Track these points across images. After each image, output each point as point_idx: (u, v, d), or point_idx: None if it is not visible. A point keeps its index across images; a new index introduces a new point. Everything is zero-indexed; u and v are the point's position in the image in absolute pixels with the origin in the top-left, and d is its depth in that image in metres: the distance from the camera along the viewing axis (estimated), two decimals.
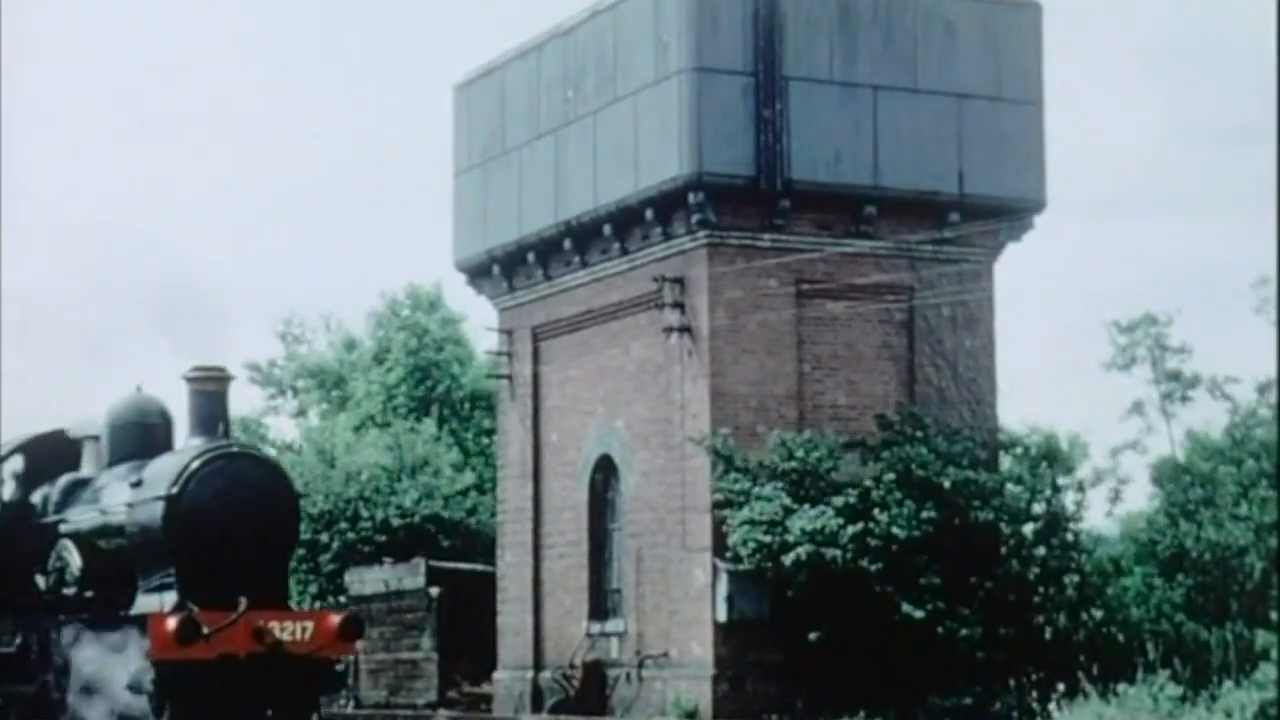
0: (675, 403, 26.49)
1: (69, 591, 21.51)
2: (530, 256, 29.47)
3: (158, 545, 20.06)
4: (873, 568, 24.44)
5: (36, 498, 23.16)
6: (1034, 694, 24.59)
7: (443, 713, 30.56)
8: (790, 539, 24.55)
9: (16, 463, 23.80)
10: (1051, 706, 24.10)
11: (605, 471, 28.45)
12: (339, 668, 21.12)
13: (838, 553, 24.34)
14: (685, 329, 26.32)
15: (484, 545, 34.99)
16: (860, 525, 24.56)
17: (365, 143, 63.46)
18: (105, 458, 22.32)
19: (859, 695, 24.59)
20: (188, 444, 20.77)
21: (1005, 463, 26.61)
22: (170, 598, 19.67)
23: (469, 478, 38.53)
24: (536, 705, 28.88)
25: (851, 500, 24.82)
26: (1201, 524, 26.10)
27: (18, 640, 22.45)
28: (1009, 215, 27.36)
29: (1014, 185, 27.28)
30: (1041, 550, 25.82)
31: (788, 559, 24.52)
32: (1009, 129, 27.31)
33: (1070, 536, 25.99)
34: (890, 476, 25.06)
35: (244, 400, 50.56)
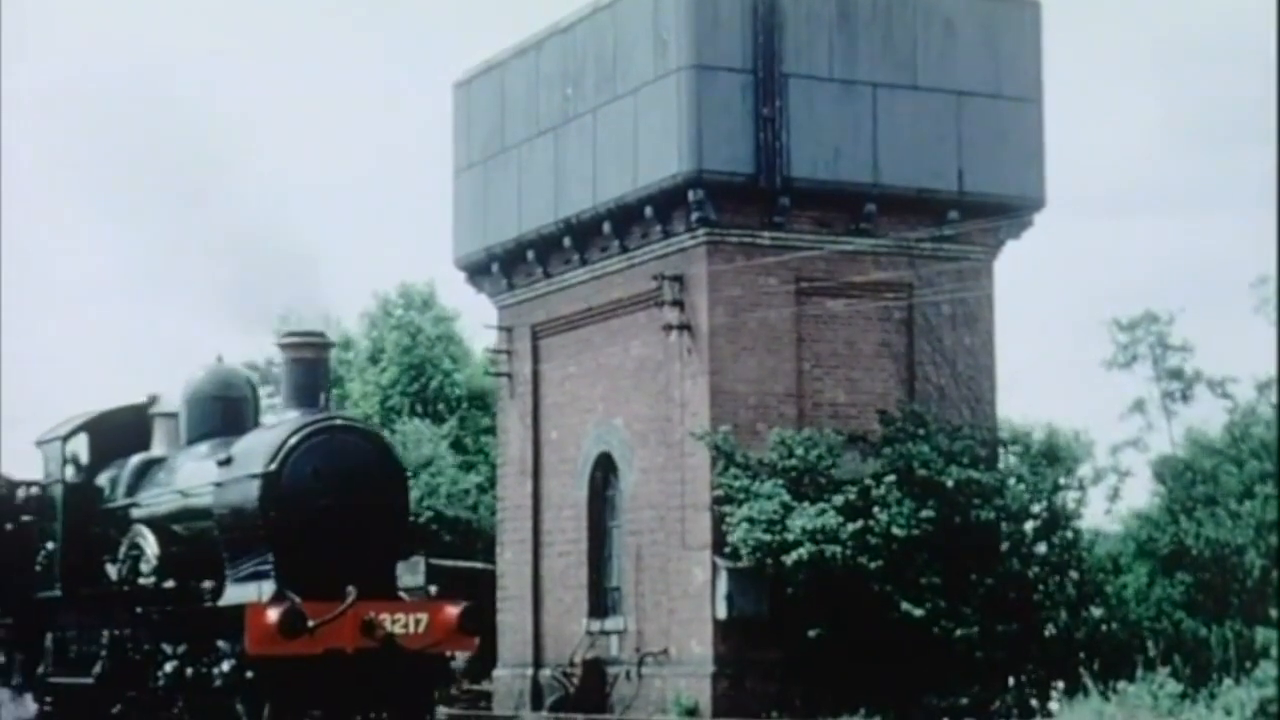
0: (675, 400, 26.49)
1: (145, 582, 19.88)
2: (530, 254, 29.47)
3: (251, 529, 18.29)
4: (872, 566, 24.44)
5: (103, 480, 21.71)
6: (1033, 692, 24.61)
7: (443, 710, 30.57)
8: (790, 537, 24.54)
9: (80, 443, 22.25)
10: (1051, 704, 24.11)
11: (605, 469, 28.45)
12: (455, 664, 19.16)
13: (837, 551, 24.34)
14: (685, 327, 26.31)
15: (484, 543, 35.00)
16: (860, 523, 24.56)
17: (364, 141, 63.44)
18: (183, 435, 20.73)
19: (858, 693, 24.59)
20: (283, 417, 19.04)
21: (1006, 460, 26.62)
22: (268, 587, 17.82)
23: (473, 478, 38.53)
24: (536, 703, 28.89)
25: (851, 498, 24.82)
26: (1201, 522, 26.10)
27: (102, 642, 20.44)
28: (1008, 213, 27.36)
29: (1013, 183, 27.28)
30: (1042, 548, 25.83)
31: (787, 557, 24.51)
32: (1008, 127, 27.31)
33: (1070, 534, 25.99)
34: (891, 475, 25.05)
35: None
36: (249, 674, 17.35)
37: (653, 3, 26.55)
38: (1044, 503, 25.91)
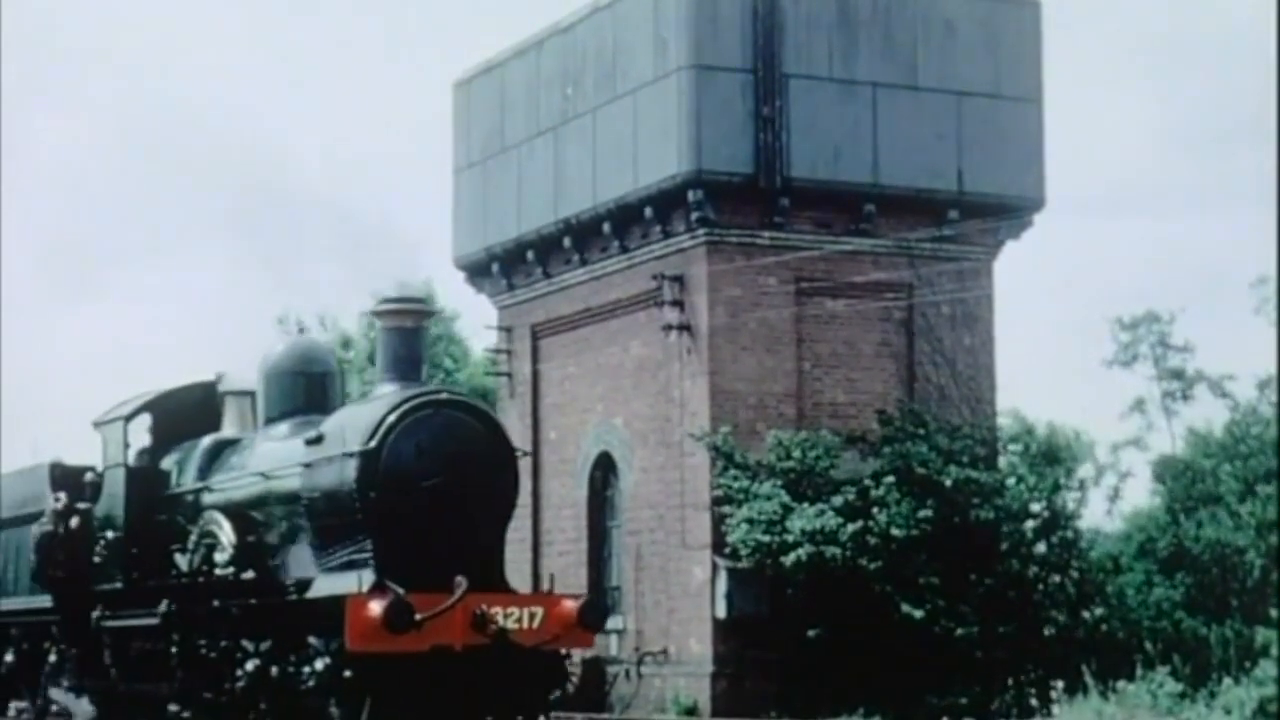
0: (674, 400, 26.50)
1: (222, 573, 18.22)
2: (530, 254, 29.48)
3: (346, 513, 16.55)
4: (871, 566, 24.44)
5: (168, 464, 20.24)
6: (1033, 691, 24.62)
7: None
8: (789, 538, 24.54)
9: (143, 423, 20.70)
10: (1051, 704, 24.11)
11: (604, 469, 28.46)
12: (571, 663, 17.15)
13: (837, 551, 24.35)
14: (684, 327, 26.32)
15: None
16: (859, 524, 24.57)
17: (363, 139, 63.43)
18: (260, 414, 19.13)
19: (858, 693, 24.59)
20: (379, 391, 17.31)
21: (1005, 460, 26.63)
22: (367, 577, 16.01)
23: None
24: None
25: (851, 499, 24.83)
26: (1202, 522, 26.13)
27: (172, 639, 18.68)
28: (1008, 213, 27.37)
29: (1013, 183, 27.30)
30: (1041, 548, 25.84)
31: (787, 557, 24.52)
32: (1008, 127, 27.32)
33: (1070, 534, 26.00)
34: (889, 475, 25.06)
35: None
36: (347, 673, 15.64)
37: (653, 3, 26.56)
38: (1044, 502, 25.92)
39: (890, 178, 26.68)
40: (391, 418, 16.40)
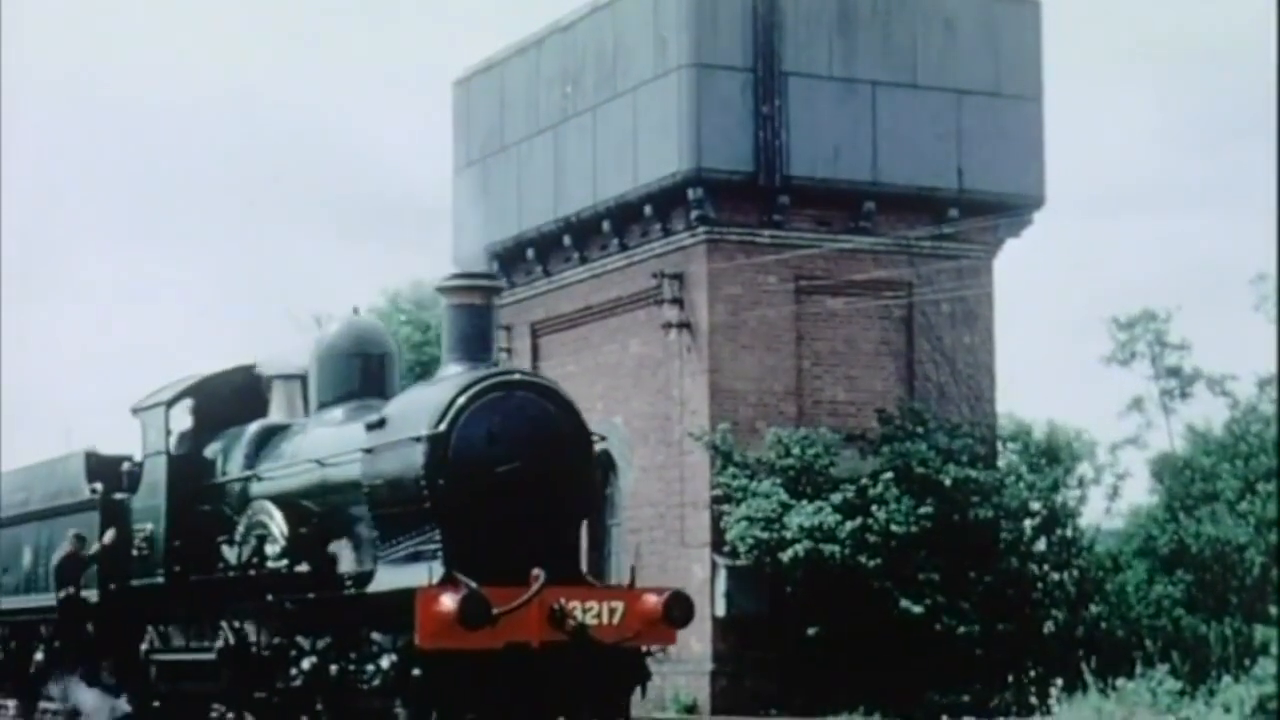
0: (674, 398, 26.50)
1: (275, 566, 17.25)
2: (529, 252, 29.48)
3: (411, 502, 15.54)
4: (871, 564, 24.45)
5: (211, 451, 19.35)
6: (1033, 689, 24.62)
7: None
8: (788, 535, 24.55)
9: (185, 409, 19.84)
10: (1050, 701, 24.12)
11: (604, 467, 28.42)
12: (653, 659, 16.00)
13: (836, 549, 24.36)
14: (684, 325, 26.32)
15: None
16: (858, 521, 24.57)
17: (364, 139, 63.42)
18: (313, 398, 18.18)
19: (857, 691, 24.60)
20: (445, 371, 16.25)
21: (1005, 458, 26.63)
22: (437, 569, 14.95)
23: None
24: None
25: (850, 496, 24.83)
26: (1201, 520, 26.13)
27: (219, 636, 17.75)
28: (1008, 211, 27.39)
29: (1013, 181, 27.30)
30: (1041, 545, 25.85)
31: (786, 555, 24.52)
32: (1008, 125, 27.33)
33: (1070, 532, 26.01)
34: (888, 474, 25.07)
35: None
36: (415, 672, 14.62)
37: (653, 1, 26.57)
38: (1043, 501, 25.93)
39: (890, 176, 26.69)
40: (461, 400, 15.43)
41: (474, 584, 14.53)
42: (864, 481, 25.03)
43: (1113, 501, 26.55)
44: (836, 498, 24.77)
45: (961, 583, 24.87)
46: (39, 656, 22.56)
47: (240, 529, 18.14)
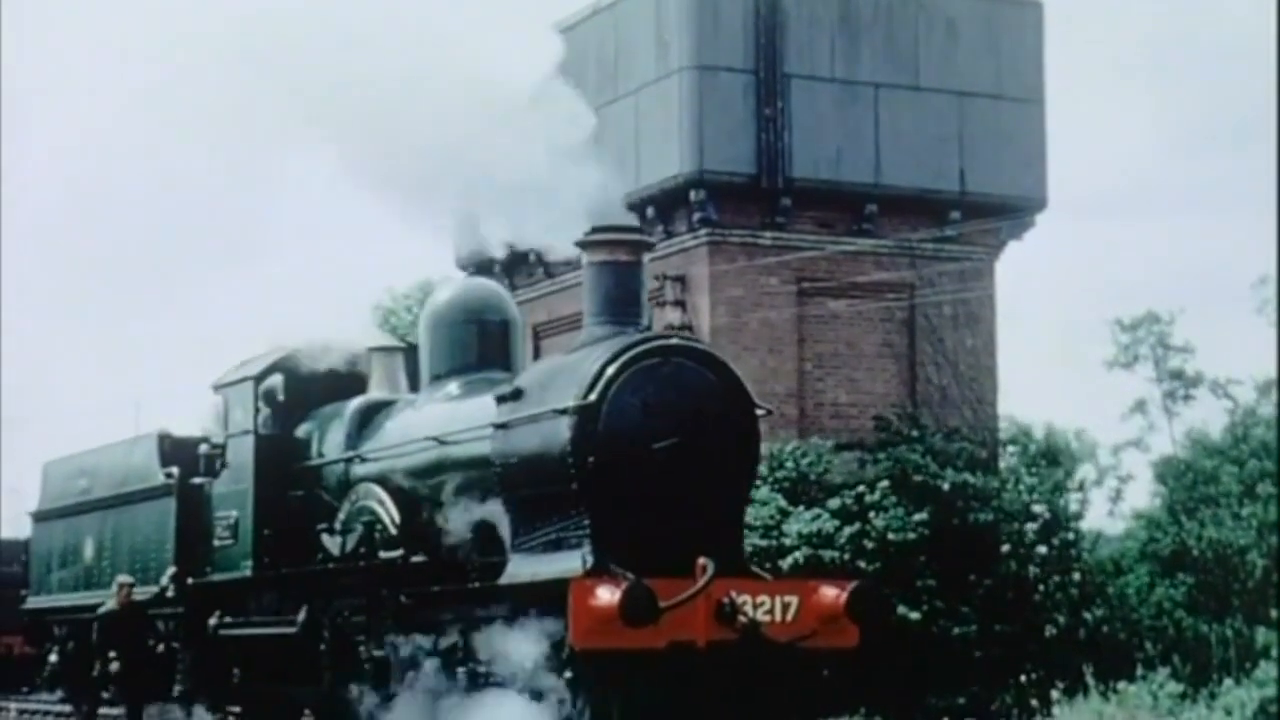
0: None
1: (388, 556, 15.45)
2: (531, 254, 29.44)
3: (554, 482, 13.75)
4: (869, 569, 24.42)
5: (303, 431, 17.71)
6: (1034, 692, 24.59)
7: None
8: (787, 542, 24.52)
9: (275, 385, 18.11)
10: (1051, 704, 24.10)
11: None
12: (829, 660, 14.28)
13: (834, 554, 24.32)
14: (686, 327, 26.29)
15: None
16: (856, 527, 24.54)
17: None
18: (425, 370, 16.39)
19: (857, 693, 24.56)
20: (589, 337, 14.56)
21: (1006, 461, 26.62)
22: (586, 558, 13.35)
23: None
24: None
25: (848, 503, 24.79)
26: (1203, 522, 26.12)
27: (323, 635, 16.06)
28: (1010, 213, 27.38)
29: (1015, 183, 27.30)
30: (1042, 549, 25.82)
31: (784, 561, 24.49)
32: (1010, 127, 27.32)
33: (1071, 536, 25.99)
34: (884, 481, 25.02)
35: None
36: (567, 674, 12.92)
37: (654, 3, 26.56)
38: (1044, 504, 25.91)
39: (892, 178, 26.68)
40: (612, 368, 13.72)
41: (629, 575, 12.87)
42: (861, 488, 25.00)
43: (1115, 505, 26.56)
44: (834, 504, 24.73)
45: (961, 587, 24.84)
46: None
47: (342, 516, 16.51)
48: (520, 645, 13.34)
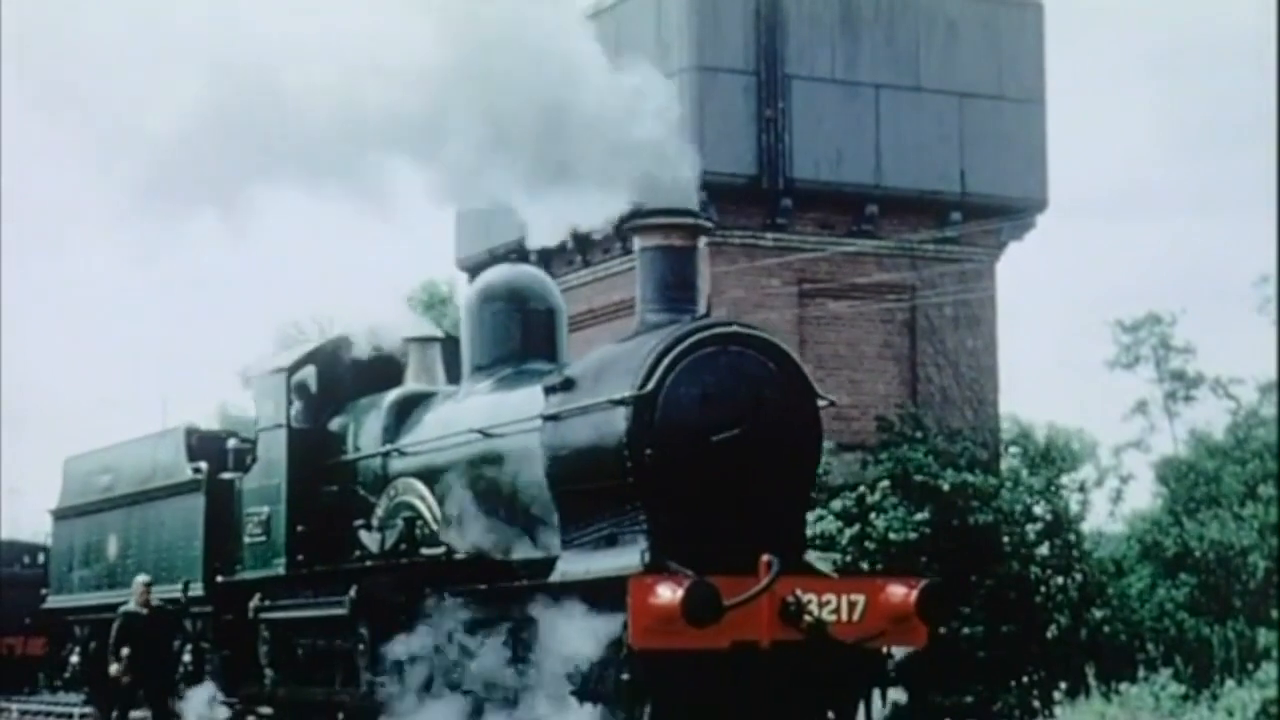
0: None
1: (430, 553, 14.90)
2: (532, 256, 29.42)
3: (608, 476, 13.14)
4: (872, 569, 24.41)
5: (337, 424, 17.10)
6: (1036, 692, 24.59)
7: None
8: None
9: (308, 377, 17.58)
10: (1053, 705, 24.10)
11: None
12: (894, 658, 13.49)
13: (836, 556, 24.29)
14: None
15: None
16: (857, 528, 24.52)
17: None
18: (466, 361, 15.74)
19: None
20: (642, 325, 13.86)
21: (1007, 461, 26.61)
22: (640, 555, 12.69)
23: None
24: None
25: (849, 504, 24.77)
26: (1204, 523, 26.11)
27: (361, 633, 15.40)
28: (1011, 214, 27.36)
29: (1016, 184, 27.28)
30: (1044, 550, 25.82)
31: None
32: (1011, 128, 27.30)
33: (1072, 536, 25.98)
34: (885, 481, 25.00)
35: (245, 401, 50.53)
36: (624, 676, 12.27)
37: (654, 4, 26.54)
38: (1045, 505, 25.90)
39: (893, 179, 26.66)
40: (668, 358, 13.10)
41: (688, 572, 12.26)
42: (862, 489, 24.98)
43: (1116, 505, 26.56)
44: (837, 505, 24.72)
45: (963, 588, 24.82)
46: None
47: (380, 512, 15.97)
48: (572, 646, 12.69)
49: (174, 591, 19.39)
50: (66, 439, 64.13)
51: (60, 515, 24.28)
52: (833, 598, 12.72)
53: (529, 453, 13.97)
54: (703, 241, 14.22)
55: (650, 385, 12.97)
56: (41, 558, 39.50)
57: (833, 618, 12.68)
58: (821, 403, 13.92)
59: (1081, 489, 26.14)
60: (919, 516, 24.68)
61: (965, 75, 27.16)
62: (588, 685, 12.56)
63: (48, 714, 28.50)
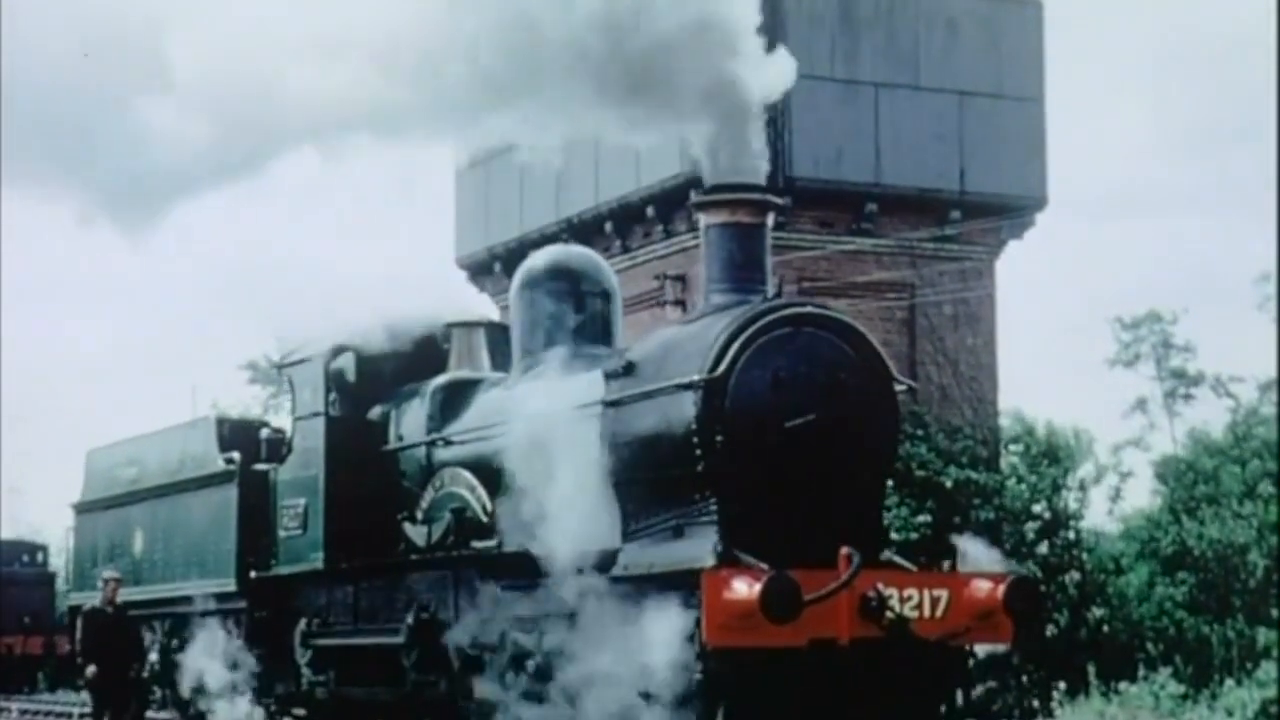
0: None
1: (482, 546, 14.12)
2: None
3: (674, 464, 12.43)
4: None
5: (377, 413, 16.36)
6: (1035, 692, 24.58)
7: None
8: None
9: (346, 364, 16.87)
10: (1053, 704, 24.10)
11: None
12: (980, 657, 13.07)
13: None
14: None
15: None
16: None
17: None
18: (516, 346, 15.12)
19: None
20: (709, 306, 13.16)
21: (1007, 460, 26.59)
22: (712, 547, 11.93)
23: None
24: None
25: None
26: (1204, 522, 26.10)
27: (408, 622, 14.69)
28: (1010, 213, 27.36)
29: (1015, 183, 27.28)
30: (1043, 548, 25.81)
31: None
32: (1010, 127, 27.29)
33: (1072, 534, 25.97)
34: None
35: (246, 399, 50.52)
36: (697, 675, 11.60)
37: None
38: (1044, 503, 25.89)
39: (892, 177, 26.65)
40: (739, 340, 12.34)
41: (762, 565, 11.55)
42: None
43: (1115, 503, 26.54)
44: None
45: None
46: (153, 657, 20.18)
47: (425, 504, 15.29)
48: (638, 643, 11.93)
49: (224, 585, 18.65)
50: (67, 439, 64.11)
51: (83, 509, 23.44)
52: (915, 593, 12.04)
53: (587, 440, 13.19)
54: (771, 218, 13.37)
55: (721, 368, 12.22)
56: (41, 556, 39.54)
57: (915, 614, 12.02)
58: (899, 387, 13.12)
59: (1081, 487, 26.13)
60: (921, 519, 24.66)
61: (965, 74, 27.15)
62: (657, 685, 11.83)
63: (48, 713, 28.52)
